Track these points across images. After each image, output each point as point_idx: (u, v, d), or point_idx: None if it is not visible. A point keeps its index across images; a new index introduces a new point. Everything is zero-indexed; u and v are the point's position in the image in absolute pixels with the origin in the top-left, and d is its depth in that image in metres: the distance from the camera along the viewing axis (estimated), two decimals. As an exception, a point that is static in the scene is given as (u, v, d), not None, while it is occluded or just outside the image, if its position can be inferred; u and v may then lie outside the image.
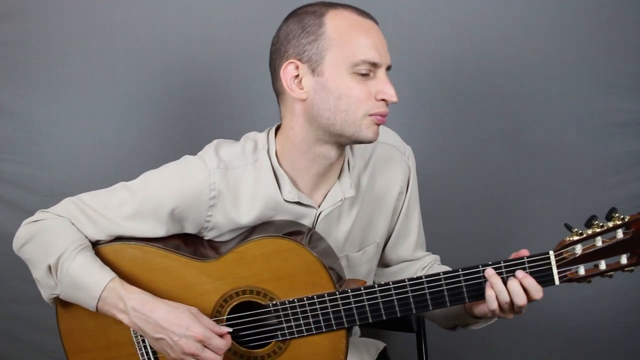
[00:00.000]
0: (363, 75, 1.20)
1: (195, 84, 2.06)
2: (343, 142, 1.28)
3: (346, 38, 1.20)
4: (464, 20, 2.01)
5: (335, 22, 1.21)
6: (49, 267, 1.25)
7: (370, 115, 1.22)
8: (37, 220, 1.30)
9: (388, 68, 1.25)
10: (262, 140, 1.32)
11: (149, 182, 1.30)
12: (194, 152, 1.33)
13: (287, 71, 1.24)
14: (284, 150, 1.30)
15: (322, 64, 1.21)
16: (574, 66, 2.02)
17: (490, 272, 1.17)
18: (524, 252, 1.19)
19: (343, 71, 1.20)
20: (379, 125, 1.24)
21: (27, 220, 1.32)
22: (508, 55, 2.03)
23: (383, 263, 1.50)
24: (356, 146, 1.37)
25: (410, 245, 1.47)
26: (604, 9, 1.98)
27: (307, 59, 1.22)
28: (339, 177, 1.34)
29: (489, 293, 1.17)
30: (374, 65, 1.21)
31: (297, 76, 1.23)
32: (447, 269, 1.30)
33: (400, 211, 1.44)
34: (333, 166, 1.32)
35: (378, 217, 1.41)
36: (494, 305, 1.17)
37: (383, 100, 1.22)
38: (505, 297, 1.16)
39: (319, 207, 1.33)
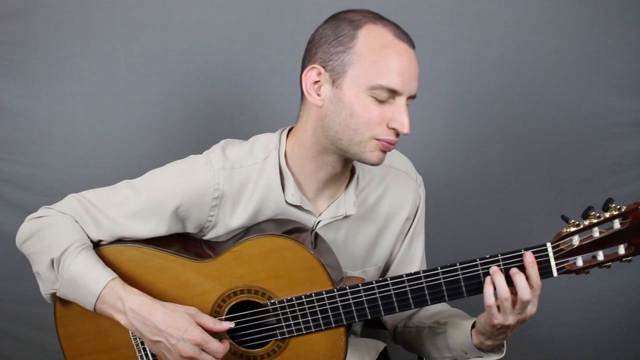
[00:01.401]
0: (380, 101, 1.17)
1: (196, 84, 2.06)
2: (349, 157, 1.26)
3: (373, 58, 1.16)
4: (464, 21, 2.01)
5: (368, 39, 1.17)
6: (52, 261, 1.24)
7: (377, 139, 1.20)
8: (41, 217, 1.30)
9: (413, 97, 1.21)
10: (275, 140, 1.31)
11: (153, 180, 1.29)
12: (194, 153, 1.32)
13: (309, 75, 1.22)
14: (293, 152, 1.29)
15: (344, 77, 1.18)
16: (574, 66, 2.02)
17: (494, 268, 1.15)
18: None
19: (361, 90, 1.17)
20: (384, 152, 1.22)
21: (30, 216, 1.32)
22: (508, 55, 2.03)
23: None
24: (368, 167, 1.35)
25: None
26: (604, 9, 1.99)
27: (331, 68, 1.19)
28: (345, 189, 1.33)
29: (487, 289, 1.15)
30: (394, 92, 1.17)
31: (317, 82, 1.21)
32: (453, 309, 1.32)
33: (405, 237, 1.43)
34: (340, 177, 1.31)
35: (382, 239, 1.40)
36: (490, 300, 1.15)
37: (393, 129, 1.19)
38: (505, 294, 1.14)
39: (319, 215, 1.32)
